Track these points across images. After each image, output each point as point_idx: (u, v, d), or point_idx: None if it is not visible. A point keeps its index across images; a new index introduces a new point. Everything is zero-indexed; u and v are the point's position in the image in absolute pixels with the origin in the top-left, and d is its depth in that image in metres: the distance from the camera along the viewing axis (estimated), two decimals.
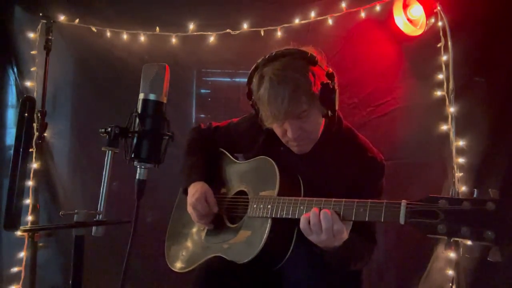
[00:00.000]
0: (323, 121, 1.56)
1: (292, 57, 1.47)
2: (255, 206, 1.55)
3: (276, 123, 1.50)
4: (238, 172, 1.77)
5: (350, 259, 1.47)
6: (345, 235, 1.32)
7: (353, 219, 1.30)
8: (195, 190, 1.67)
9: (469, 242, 2.15)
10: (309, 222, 1.32)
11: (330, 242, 1.31)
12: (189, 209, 1.68)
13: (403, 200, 1.19)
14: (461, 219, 1.08)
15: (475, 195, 1.09)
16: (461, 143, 2.31)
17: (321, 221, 1.29)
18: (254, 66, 1.54)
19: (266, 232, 1.45)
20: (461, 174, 2.30)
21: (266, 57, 1.50)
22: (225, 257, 1.56)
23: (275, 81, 1.42)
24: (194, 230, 1.81)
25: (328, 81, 1.48)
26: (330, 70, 1.51)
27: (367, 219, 1.26)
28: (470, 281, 2.27)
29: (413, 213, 1.16)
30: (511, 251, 1.03)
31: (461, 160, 2.31)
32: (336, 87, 1.49)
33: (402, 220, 1.18)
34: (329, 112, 1.49)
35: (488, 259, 1.04)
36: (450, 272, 2.28)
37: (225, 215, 1.71)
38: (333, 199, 1.34)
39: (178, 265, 1.77)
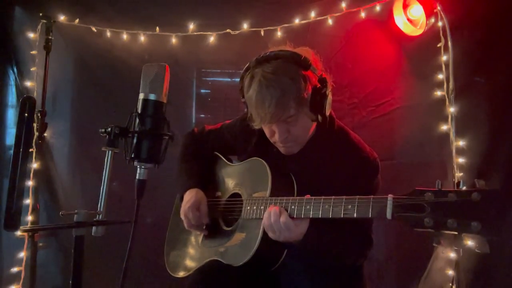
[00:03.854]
0: (314, 123, 1.55)
1: (284, 60, 1.45)
2: (248, 208, 1.55)
3: (263, 125, 1.50)
4: (232, 174, 1.77)
5: (324, 252, 1.47)
6: (301, 229, 1.36)
7: (342, 216, 1.28)
8: (189, 197, 1.68)
9: (469, 242, 2.16)
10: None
11: (288, 236, 1.36)
12: (181, 215, 1.69)
13: (389, 195, 1.18)
14: (447, 211, 1.07)
15: (461, 187, 1.08)
16: (461, 143, 2.31)
17: (271, 217, 1.37)
18: (247, 65, 1.54)
19: (260, 233, 1.45)
20: (461, 174, 2.30)
21: (259, 57, 1.49)
22: (222, 260, 1.56)
23: (263, 85, 1.41)
24: (192, 235, 1.81)
25: (320, 86, 1.46)
26: (323, 74, 1.48)
27: (355, 216, 1.25)
28: (470, 281, 2.27)
29: (400, 207, 1.15)
30: (510, 250, 1.03)
31: (461, 160, 2.31)
32: (328, 92, 1.47)
33: (389, 215, 1.17)
34: (319, 117, 1.47)
35: (476, 250, 1.04)
36: (450, 272, 2.28)
37: (220, 219, 1.71)
38: (323, 197, 1.34)
39: (177, 271, 1.78)
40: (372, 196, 1.24)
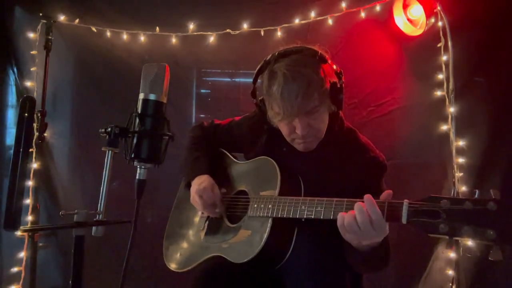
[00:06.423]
0: (327, 121, 1.56)
1: (303, 54, 1.48)
2: (255, 206, 1.55)
3: (287, 119, 1.49)
4: (238, 172, 1.77)
5: (382, 257, 1.41)
6: (387, 231, 1.26)
7: None
8: (201, 181, 1.67)
9: (469, 242, 2.17)
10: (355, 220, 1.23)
11: (376, 237, 1.25)
12: (194, 198, 1.67)
13: (405, 200, 1.19)
14: (463, 219, 1.08)
15: (476, 195, 1.09)
16: (461, 143, 2.31)
17: (371, 216, 1.21)
18: (261, 64, 1.54)
19: (267, 232, 1.45)
20: (461, 174, 2.30)
21: (276, 53, 1.50)
22: (225, 256, 1.56)
23: (289, 77, 1.42)
24: (194, 230, 1.81)
25: (336, 79, 1.49)
26: (338, 69, 1.51)
27: None
28: (470, 281, 2.27)
29: (415, 212, 1.16)
30: (510, 251, 1.04)
31: (461, 160, 2.31)
32: (343, 86, 1.51)
33: (404, 220, 1.17)
34: (335, 110, 1.52)
35: (489, 258, 1.05)
36: (450, 272, 2.28)
37: (225, 215, 1.71)
38: (335, 199, 1.33)
39: (176, 265, 1.77)
40: (387, 200, 1.23)
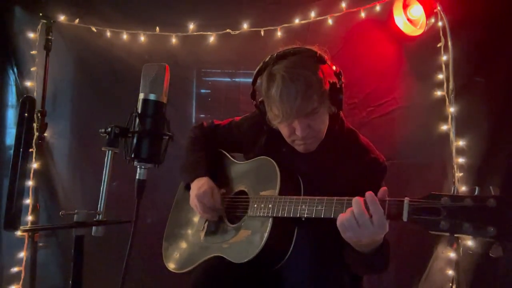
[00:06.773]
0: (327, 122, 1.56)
1: (301, 55, 1.47)
2: (255, 205, 1.55)
3: (286, 121, 1.49)
4: (238, 172, 1.77)
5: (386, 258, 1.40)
6: (387, 228, 1.25)
7: None
8: (201, 184, 1.68)
9: (469, 242, 2.17)
10: (354, 215, 1.23)
11: (376, 233, 1.24)
12: (194, 202, 1.67)
13: (405, 198, 1.19)
14: (463, 216, 1.09)
15: (476, 193, 1.09)
16: (461, 143, 2.31)
17: (370, 208, 1.21)
18: (260, 66, 1.53)
19: (267, 231, 1.45)
20: (461, 174, 2.30)
21: (274, 55, 1.50)
22: (225, 256, 1.56)
23: (287, 79, 1.42)
24: (193, 230, 1.81)
25: (336, 80, 1.49)
26: (338, 69, 1.51)
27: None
28: (470, 281, 2.27)
29: (416, 210, 1.17)
30: (510, 251, 1.04)
31: (461, 160, 2.31)
32: (343, 87, 1.50)
33: (405, 217, 1.18)
34: (335, 110, 1.51)
35: (490, 254, 1.06)
36: (450, 272, 2.28)
37: (225, 215, 1.71)
38: (335, 198, 1.33)
39: (176, 266, 1.77)
40: (388, 198, 1.24)
